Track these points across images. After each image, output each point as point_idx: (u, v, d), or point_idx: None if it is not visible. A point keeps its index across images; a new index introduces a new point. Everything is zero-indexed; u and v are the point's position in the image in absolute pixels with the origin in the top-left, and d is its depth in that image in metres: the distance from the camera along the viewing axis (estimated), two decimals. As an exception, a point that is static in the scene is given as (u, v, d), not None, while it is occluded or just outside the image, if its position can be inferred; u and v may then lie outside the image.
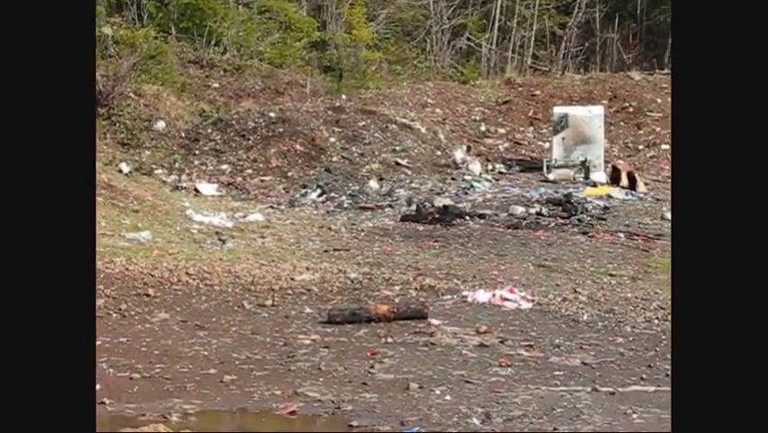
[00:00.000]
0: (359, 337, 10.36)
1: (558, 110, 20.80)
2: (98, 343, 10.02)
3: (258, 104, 20.76)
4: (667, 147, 21.26)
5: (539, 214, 17.68)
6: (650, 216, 18.04)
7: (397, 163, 19.90)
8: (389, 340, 10.42)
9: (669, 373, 10.01)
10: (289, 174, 19.64)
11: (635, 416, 8.52)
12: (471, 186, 19.72)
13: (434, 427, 8.38)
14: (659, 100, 23.12)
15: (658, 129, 22.11)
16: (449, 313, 11.52)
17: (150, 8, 22.65)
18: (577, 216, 17.68)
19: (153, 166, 19.32)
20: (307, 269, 13.44)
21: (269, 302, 11.81)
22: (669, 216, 17.11)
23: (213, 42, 22.67)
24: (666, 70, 25.46)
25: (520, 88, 24.00)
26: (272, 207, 18.34)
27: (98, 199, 15.32)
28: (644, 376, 9.73)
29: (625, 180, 19.53)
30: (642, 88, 23.92)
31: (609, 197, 18.97)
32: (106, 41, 21.02)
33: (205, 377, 9.27)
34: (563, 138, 20.23)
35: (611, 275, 14.20)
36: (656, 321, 11.82)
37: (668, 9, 27.61)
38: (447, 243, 15.84)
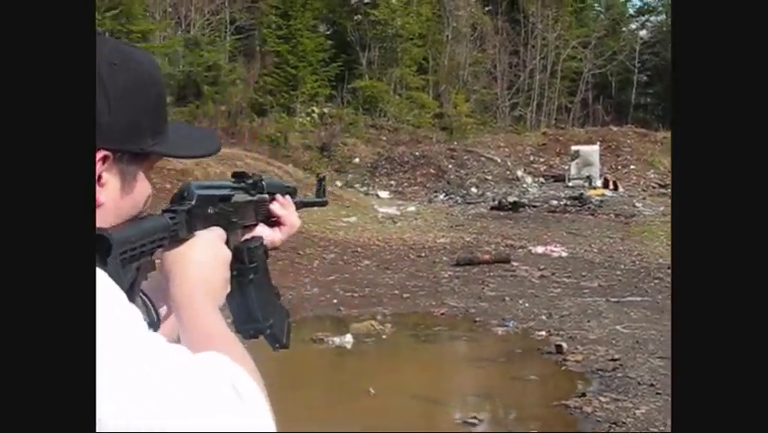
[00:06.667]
0: (474, 273, 12.82)
1: (574, 147, 27.68)
2: (333, 277, 12.21)
3: (408, 148, 27.45)
4: (634, 167, 27.54)
5: (565, 204, 21.44)
6: (626, 205, 21.86)
7: (486, 179, 25.02)
8: (491, 274, 12.66)
9: (647, 290, 10.96)
10: (427, 185, 24.39)
11: (631, 313, 9.61)
12: (527, 190, 24.73)
13: (522, 321, 9.39)
14: (628, 141, 30.56)
15: (629, 157, 29.28)
16: (522, 259, 14.08)
17: (349, 98, 31.67)
18: (586, 205, 21.31)
19: (354, 182, 24.64)
20: (443, 236, 16.57)
21: (423, 254, 14.52)
22: (638, 204, 21.02)
23: (383, 115, 31.96)
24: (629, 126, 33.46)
25: (551, 136, 31.35)
26: (419, 204, 22.45)
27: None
28: (633, 291, 11.02)
29: (611, 185, 25.22)
30: (617, 134, 31.71)
31: (603, 195, 23.63)
32: (324, 117, 28.85)
33: (392, 296, 11.28)
34: (577, 163, 26.47)
35: (609, 237, 16.35)
36: (637, 262, 13.63)
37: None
38: (516, 221, 19.19)
